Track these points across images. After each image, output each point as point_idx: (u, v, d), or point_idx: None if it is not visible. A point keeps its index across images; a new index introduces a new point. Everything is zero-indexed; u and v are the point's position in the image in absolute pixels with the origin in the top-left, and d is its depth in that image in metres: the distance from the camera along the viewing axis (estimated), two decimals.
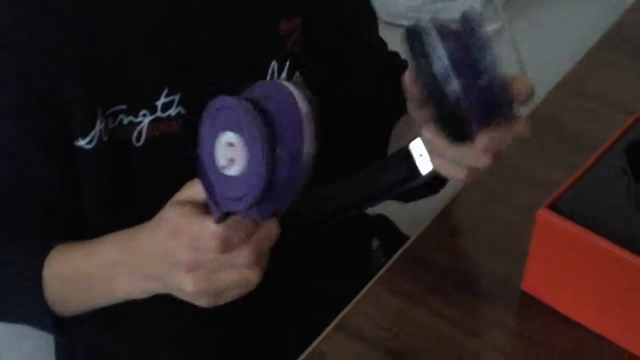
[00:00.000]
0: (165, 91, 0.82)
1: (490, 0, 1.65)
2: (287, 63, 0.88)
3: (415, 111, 0.73)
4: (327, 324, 0.83)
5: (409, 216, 1.17)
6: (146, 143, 0.82)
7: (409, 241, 0.90)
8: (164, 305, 0.88)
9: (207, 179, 0.63)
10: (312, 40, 0.91)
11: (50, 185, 0.83)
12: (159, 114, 0.82)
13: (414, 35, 0.63)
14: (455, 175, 0.71)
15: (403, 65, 0.83)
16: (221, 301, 0.70)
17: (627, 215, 0.77)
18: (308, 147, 0.60)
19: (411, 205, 0.96)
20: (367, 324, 0.81)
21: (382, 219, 1.15)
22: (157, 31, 0.83)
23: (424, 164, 0.70)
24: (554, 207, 0.78)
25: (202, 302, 0.70)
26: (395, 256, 0.88)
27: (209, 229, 0.65)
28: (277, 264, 0.71)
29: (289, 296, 0.91)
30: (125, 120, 0.82)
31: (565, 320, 0.81)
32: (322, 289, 0.92)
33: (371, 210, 1.11)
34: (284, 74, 0.88)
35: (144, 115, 0.82)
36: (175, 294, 0.72)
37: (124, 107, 0.81)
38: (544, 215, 0.78)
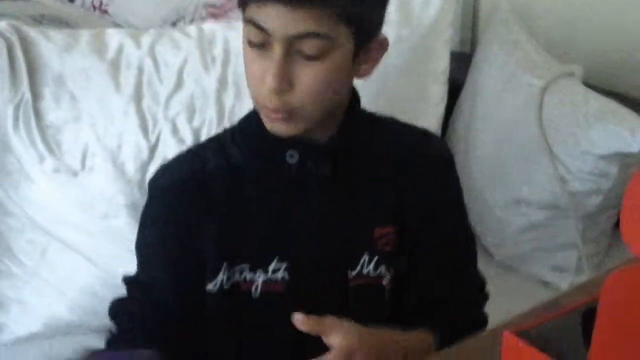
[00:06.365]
0: (276, 259, 1.10)
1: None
2: (376, 257, 1.12)
3: None
4: None
5: None
6: (261, 296, 1.10)
7: None
8: None
9: None
10: (405, 241, 1.14)
11: (176, 310, 1.11)
12: (269, 275, 1.10)
13: None
14: None
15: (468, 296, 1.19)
16: None
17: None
18: None
19: None
20: None
21: None
22: (275, 219, 1.12)
23: None
24: (521, 332, 0.87)
25: None
26: None
27: None
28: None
29: None
30: (248, 277, 1.10)
31: None
32: None
33: None
34: (371, 265, 1.13)
35: (259, 275, 1.10)
36: None
37: (247, 265, 1.10)
38: (508, 336, 0.87)
